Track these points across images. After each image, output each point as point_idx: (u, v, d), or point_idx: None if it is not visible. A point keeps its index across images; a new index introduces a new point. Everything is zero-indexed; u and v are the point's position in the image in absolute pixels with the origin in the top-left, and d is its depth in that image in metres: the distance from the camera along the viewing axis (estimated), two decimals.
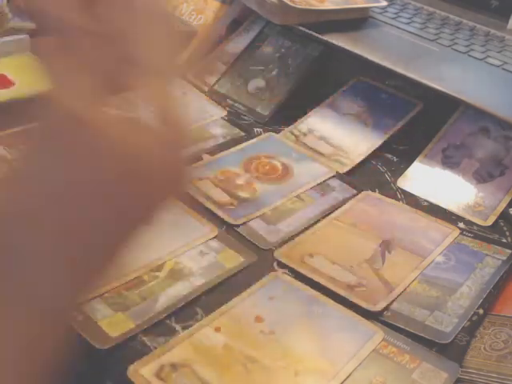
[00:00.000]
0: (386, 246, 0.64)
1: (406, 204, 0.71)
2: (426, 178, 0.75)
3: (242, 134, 0.81)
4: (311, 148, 0.78)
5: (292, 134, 0.81)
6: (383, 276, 0.59)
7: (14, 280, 0.30)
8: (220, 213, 0.65)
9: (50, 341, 0.31)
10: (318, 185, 0.72)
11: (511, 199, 0.71)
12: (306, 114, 0.84)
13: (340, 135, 0.80)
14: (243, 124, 0.83)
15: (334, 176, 0.74)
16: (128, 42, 0.32)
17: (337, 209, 0.68)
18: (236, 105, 0.86)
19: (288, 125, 0.83)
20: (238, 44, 0.94)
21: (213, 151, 0.76)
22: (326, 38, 0.83)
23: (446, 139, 0.78)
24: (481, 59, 0.83)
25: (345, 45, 0.82)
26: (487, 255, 0.63)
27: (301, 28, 0.85)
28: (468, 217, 0.69)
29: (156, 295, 0.54)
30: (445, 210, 0.70)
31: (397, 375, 0.50)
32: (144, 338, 0.51)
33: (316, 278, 0.58)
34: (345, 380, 0.49)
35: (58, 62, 0.32)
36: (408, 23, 0.91)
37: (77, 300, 0.33)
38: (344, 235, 0.65)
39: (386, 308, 0.56)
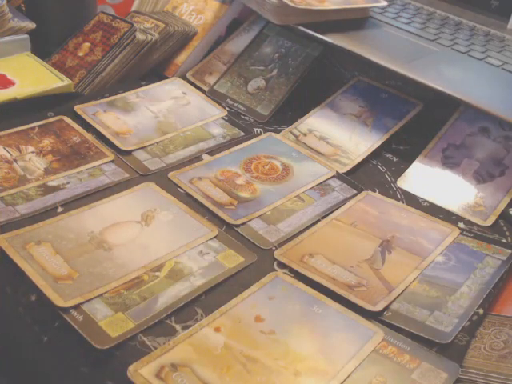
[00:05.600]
0: (386, 245, 0.64)
1: (406, 204, 0.71)
2: (426, 177, 0.75)
3: (242, 133, 0.81)
4: (311, 148, 0.78)
5: (292, 134, 0.81)
6: (383, 276, 0.59)
7: None
8: (220, 213, 0.65)
9: None
10: (318, 185, 0.72)
11: (511, 199, 0.71)
12: (306, 114, 0.84)
13: (340, 135, 0.80)
14: (243, 124, 0.83)
15: (334, 176, 0.74)
16: None
17: (337, 209, 0.68)
18: (236, 105, 0.86)
19: (288, 125, 0.83)
20: (238, 44, 0.95)
21: (213, 151, 0.76)
22: (326, 38, 0.83)
23: (445, 139, 0.78)
24: (481, 59, 0.83)
25: (345, 45, 0.82)
26: (487, 255, 0.63)
27: (301, 28, 0.85)
28: (468, 217, 0.69)
29: (156, 295, 0.55)
30: (445, 209, 0.70)
31: (397, 375, 0.50)
32: (144, 338, 0.51)
33: (316, 278, 0.58)
34: (345, 380, 0.49)
35: None
36: (408, 23, 0.91)
37: None
38: (344, 235, 0.65)
39: (386, 308, 0.56)
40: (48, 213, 0.63)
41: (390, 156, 0.80)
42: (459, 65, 0.81)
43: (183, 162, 0.74)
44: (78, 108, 0.80)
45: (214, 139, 0.79)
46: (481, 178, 0.73)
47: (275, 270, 0.60)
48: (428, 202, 0.72)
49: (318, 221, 0.66)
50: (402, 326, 0.54)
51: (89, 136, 0.75)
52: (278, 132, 0.81)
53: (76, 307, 0.52)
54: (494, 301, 0.59)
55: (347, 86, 0.88)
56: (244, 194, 0.69)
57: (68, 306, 0.52)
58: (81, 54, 0.87)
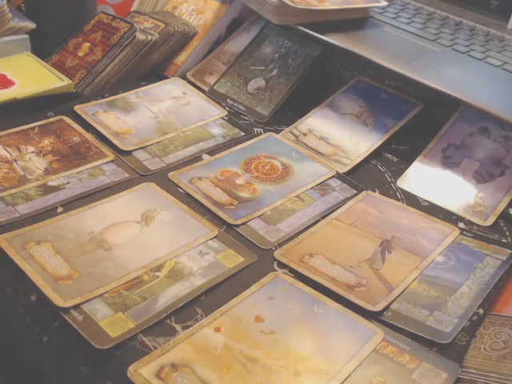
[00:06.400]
0: (386, 246, 0.64)
1: (406, 204, 0.71)
2: (426, 177, 0.75)
3: (242, 134, 0.81)
4: (311, 148, 0.78)
5: (292, 134, 0.81)
6: (383, 276, 0.59)
7: None
8: (220, 213, 0.65)
9: None
10: (318, 185, 0.72)
11: (511, 199, 0.71)
12: (306, 114, 0.84)
13: (340, 135, 0.80)
14: (243, 124, 0.83)
15: (334, 176, 0.74)
16: None
17: (337, 209, 0.68)
18: (236, 105, 0.86)
19: (288, 125, 0.83)
20: (238, 44, 0.95)
21: (213, 151, 0.76)
22: (326, 38, 0.83)
23: (445, 139, 0.78)
24: (481, 59, 0.83)
25: (345, 45, 0.82)
26: (487, 255, 0.63)
27: (301, 28, 0.85)
28: (468, 217, 0.69)
29: (156, 295, 0.55)
30: (445, 209, 0.70)
31: (397, 375, 0.50)
32: (144, 338, 0.51)
33: (316, 278, 0.58)
34: (345, 380, 0.49)
35: None
36: (408, 23, 0.91)
37: None
38: (344, 235, 0.65)
39: (386, 308, 0.56)
40: (48, 213, 0.63)
41: (390, 156, 0.80)
42: (459, 65, 0.81)
43: (183, 161, 0.74)
44: (78, 108, 0.80)
45: (214, 139, 0.79)
46: (481, 177, 0.73)
47: (275, 270, 0.60)
48: (428, 201, 0.72)
49: (318, 221, 0.66)
50: (402, 326, 0.54)
51: (89, 136, 0.75)
52: (278, 132, 0.81)
53: (76, 307, 0.52)
54: (493, 301, 0.59)
55: (347, 85, 0.88)
56: (244, 194, 0.69)
57: (68, 306, 0.52)
58: (81, 54, 0.87)
